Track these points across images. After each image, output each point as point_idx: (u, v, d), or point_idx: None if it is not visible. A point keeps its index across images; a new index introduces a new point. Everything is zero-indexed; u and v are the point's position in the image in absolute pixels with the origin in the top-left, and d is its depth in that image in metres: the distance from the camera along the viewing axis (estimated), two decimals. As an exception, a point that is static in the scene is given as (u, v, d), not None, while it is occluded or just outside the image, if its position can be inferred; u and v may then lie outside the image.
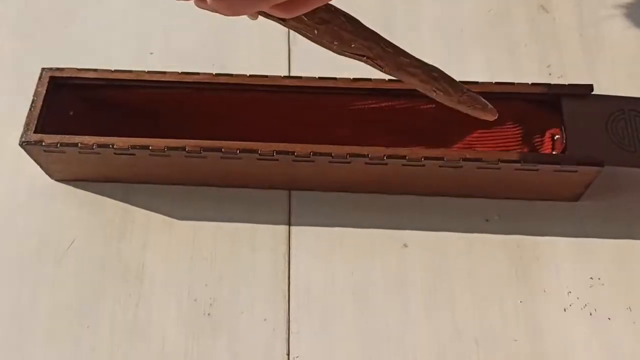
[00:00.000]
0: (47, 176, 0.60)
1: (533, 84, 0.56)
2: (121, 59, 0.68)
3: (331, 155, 0.53)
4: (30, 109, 0.55)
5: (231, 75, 0.57)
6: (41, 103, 0.55)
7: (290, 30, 0.46)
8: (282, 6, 0.36)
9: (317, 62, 0.67)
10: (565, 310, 0.54)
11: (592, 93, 0.55)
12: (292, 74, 0.66)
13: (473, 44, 0.69)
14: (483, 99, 0.46)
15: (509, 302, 0.55)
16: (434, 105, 0.57)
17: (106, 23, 0.71)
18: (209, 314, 0.55)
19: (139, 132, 0.55)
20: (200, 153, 0.53)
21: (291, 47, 0.68)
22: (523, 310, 0.54)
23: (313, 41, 0.41)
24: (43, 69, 0.57)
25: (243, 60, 0.68)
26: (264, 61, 0.68)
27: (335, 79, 0.56)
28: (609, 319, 0.54)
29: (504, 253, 0.57)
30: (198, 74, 0.57)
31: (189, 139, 0.54)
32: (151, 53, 0.69)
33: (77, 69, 0.57)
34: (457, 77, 0.57)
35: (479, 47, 0.68)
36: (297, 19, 0.39)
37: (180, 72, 0.57)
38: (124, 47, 0.69)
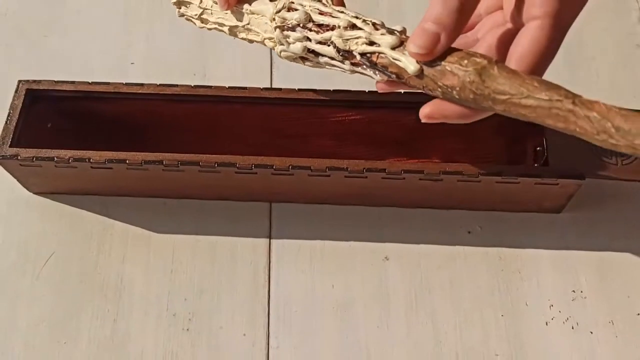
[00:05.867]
0: (24, 189, 0.60)
1: (514, 95, 0.55)
2: (102, 68, 0.68)
3: (310, 169, 0.52)
4: (6, 122, 0.55)
5: (210, 87, 0.56)
6: (17, 116, 0.55)
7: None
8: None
9: (300, 72, 0.66)
10: (547, 323, 0.54)
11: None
12: (274, 85, 0.66)
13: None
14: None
15: (491, 315, 0.54)
16: (414, 117, 0.56)
17: (87, 32, 0.71)
18: (187, 329, 0.54)
19: (118, 144, 0.55)
20: (178, 167, 0.53)
21: (273, 57, 0.68)
22: (504, 323, 0.54)
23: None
24: (20, 81, 0.57)
25: (225, 71, 0.68)
26: (247, 72, 0.67)
27: (315, 90, 0.56)
28: (591, 332, 0.53)
29: (485, 265, 0.56)
30: (177, 85, 0.56)
31: (169, 151, 0.53)
32: (132, 63, 0.68)
33: (54, 81, 0.57)
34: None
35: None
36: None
37: (158, 84, 0.56)
38: (105, 56, 0.69)
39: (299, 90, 0.56)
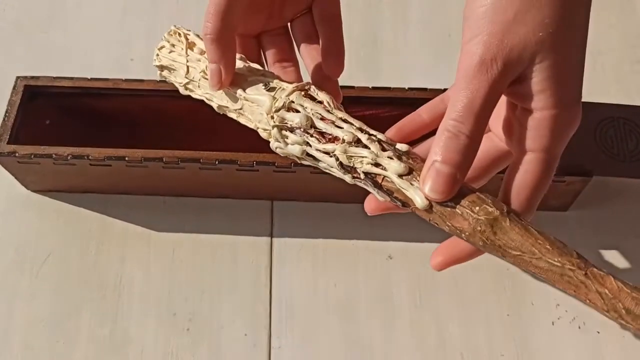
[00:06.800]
0: (22, 187, 0.59)
1: (520, 92, 0.55)
2: (101, 65, 0.67)
3: (312, 166, 0.51)
4: (3, 119, 0.54)
5: (210, 83, 0.55)
6: (15, 113, 0.54)
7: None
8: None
9: (300, 70, 0.66)
10: (553, 323, 0.53)
11: (581, 101, 0.54)
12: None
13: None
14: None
15: (496, 315, 0.53)
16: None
17: (86, 28, 0.70)
18: (188, 329, 0.53)
19: (117, 141, 0.54)
20: (178, 164, 0.52)
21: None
22: (510, 323, 0.53)
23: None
24: (18, 77, 0.56)
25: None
26: (247, 67, 0.66)
27: (317, 87, 0.55)
28: (598, 332, 0.52)
29: (491, 264, 0.56)
30: (177, 82, 0.55)
31: (169, 148, 0.52)
32: (132, 59, 0.67)
33: (53, 78, 0.56)
34: (444, 84, 0.56)
35: (466, 52, 0.67)
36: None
37: (158, 80, 0.55)
38: (105, 53, 0.68)
39: (301, 86, 0.55)
